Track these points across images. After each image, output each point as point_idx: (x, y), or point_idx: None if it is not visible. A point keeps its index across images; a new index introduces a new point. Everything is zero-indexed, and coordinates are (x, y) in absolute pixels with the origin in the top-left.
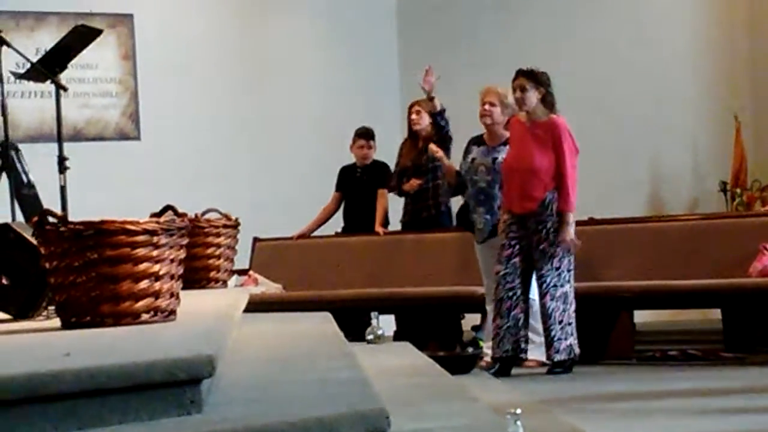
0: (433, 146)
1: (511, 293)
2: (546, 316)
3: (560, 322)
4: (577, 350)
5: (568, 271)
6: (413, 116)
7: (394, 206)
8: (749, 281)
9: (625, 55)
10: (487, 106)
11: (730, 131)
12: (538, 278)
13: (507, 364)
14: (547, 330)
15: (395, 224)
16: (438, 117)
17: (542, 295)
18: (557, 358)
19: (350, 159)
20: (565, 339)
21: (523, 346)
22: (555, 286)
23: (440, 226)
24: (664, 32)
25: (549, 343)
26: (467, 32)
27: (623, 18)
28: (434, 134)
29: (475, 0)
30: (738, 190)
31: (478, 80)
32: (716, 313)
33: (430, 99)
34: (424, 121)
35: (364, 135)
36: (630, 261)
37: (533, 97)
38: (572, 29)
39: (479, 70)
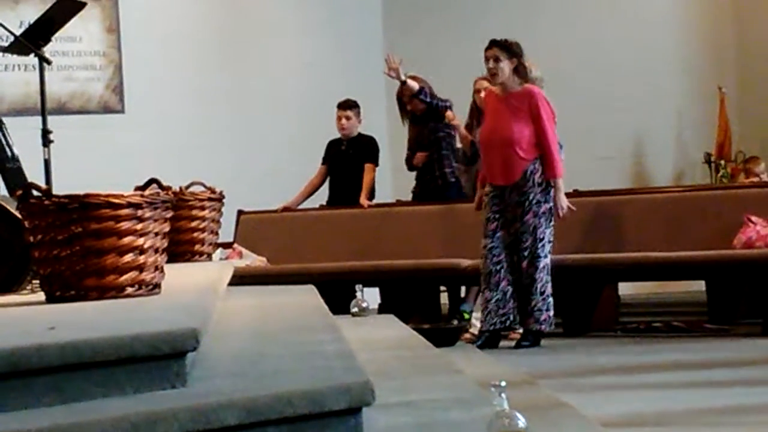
0: (449, 114)
1: (498, 266)
2: (530, 286)
3: (542, 293)
4: (552, 321)
5: (549, 242)
6: (409, 107)
7: (405, 179)
8: (733, 253)
9: (610, 28)
10: None
11: (715, 103)
12: (523, 250)
13: (495, 337)
14: (528, 300)
15: (405, 196)
16: (421, 96)
17: (528, 266)
18: (536, 328)
19: (337, 132)
20: (547, 310)
21: (512, 318)
22: (539, 257)
23: (447, 196)
24: (648, 4)
25: (529, 313)
26: (453, 8)
27: None
28: (429, 109)
29: None
30: (722, 162)
31: (465, 53)
32: (700, 285)
33: (403, 83)
34: (418, 105)
35: (341, 105)
36: (615, 233)
37: (506, 68)
38: (557, 5)
39: (465, 44)
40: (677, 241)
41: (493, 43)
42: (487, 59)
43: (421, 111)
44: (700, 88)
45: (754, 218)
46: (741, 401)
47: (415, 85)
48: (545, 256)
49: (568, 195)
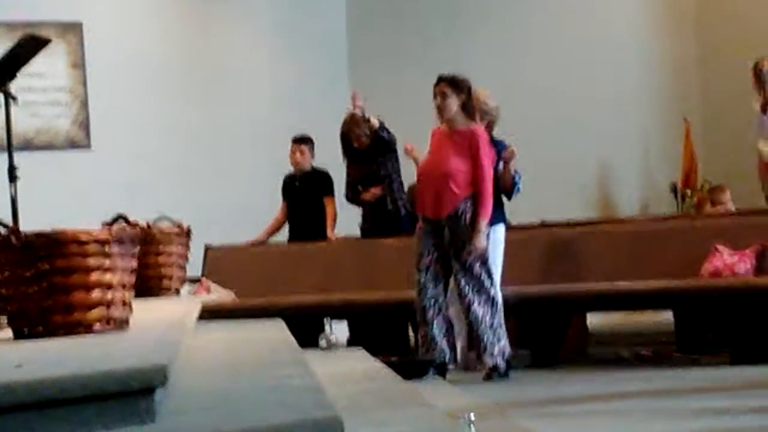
0: (408, 146)
1: (432, 301)
2: (476, 322)
3: (491, 326)
4: (508, 350)
5: (489, 276)
6: (355, 144)
7: (351, 213)
8: (700, 282)
9: (575, 59)
10: None
11: (680, 133)
12: (462, 288)
13: (440, 367)
14: (478, 336)
15: (354, 230)
16: (381, 132)
17: (468, 304)
18: (492, 362)
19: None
20: (498, 342)
21: (448, 353)
22: (478, 292)
23: (401, 230)
24: (612, 35)
25: (483, 349)
26: (418, 42)
27: (573, 22)
28: (377, 144)
29: (426, 11)
30: (688, 192)
31: (431, 85)
32: (668, 315)
33: (366, 120)
34: (364, 142)
35: (295, 140)
36: (582, 264)
37: (454, 104)
38: (523, 36)
39: (432, 76)
40: (645, 271)
41: (441, 79)
42: (435, 95)
43: (365, 146)
44: (665, 119)
45: (720, 247)
46: (709, 429)
47: (375, 122)
48: (487, 290)
49: (534, 227)
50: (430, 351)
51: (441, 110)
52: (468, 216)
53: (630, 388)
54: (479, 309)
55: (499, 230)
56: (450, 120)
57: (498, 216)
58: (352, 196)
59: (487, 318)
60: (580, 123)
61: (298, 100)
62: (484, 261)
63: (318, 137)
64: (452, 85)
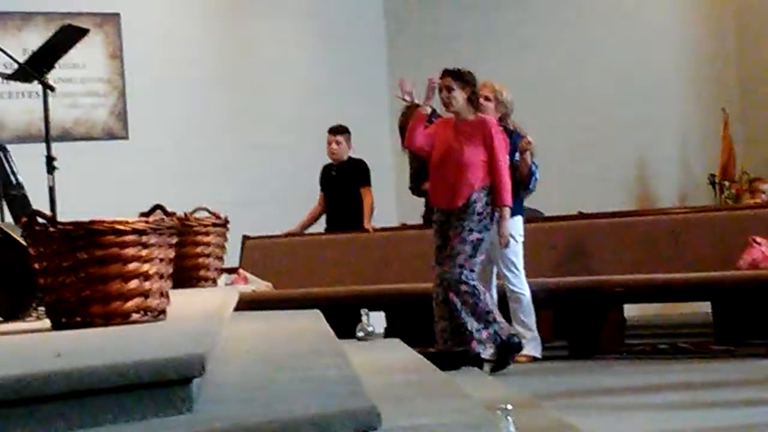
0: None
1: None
2: (455, 311)
3: (474, 314)
4: (505, 333)
5: (471, 270)
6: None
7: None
8: (738, 274)
9: (613, 51)
10: (481, 100)
11: (718, 124)
12: (442, 273)
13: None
14: (461, 325)
15: (416, 219)
16: (432, 118)
17: (446, 291)
18: (481, 349)
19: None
20: (486, 328)
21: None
22: (458, 282)
23: None
24: (651, 27)
25: (468, 337)
26: (455, 30)
27: (610, 14)
28: None
29: None
30: (727, 183)
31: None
32: (706, 306)
33: (416, 107)
34: None
35: (331, 130)
36: (620, 255)
37: (460, 97)
38: (560, 28)
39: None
40: (682, 262)
41: (446, 73)
42: (440, 89)
43: None
44: (703, 110)
45: (758, 239)
46: (747, 421)
47: (427, 108)
48: (466, 281)
49: (572, 217)
50: (446, 344)
51: (447, 103)
52: (478, 206)
53: (667, 380)
54: (457, 298)
55: (517, 223)
56: (457, 113)
57: (515, 208)
58: (415, 187)
59: (468, 307)
60: (617, 115)
61: (335, 89)
62: (475, 255)
63: (357, 126)
64: (457, 78)
